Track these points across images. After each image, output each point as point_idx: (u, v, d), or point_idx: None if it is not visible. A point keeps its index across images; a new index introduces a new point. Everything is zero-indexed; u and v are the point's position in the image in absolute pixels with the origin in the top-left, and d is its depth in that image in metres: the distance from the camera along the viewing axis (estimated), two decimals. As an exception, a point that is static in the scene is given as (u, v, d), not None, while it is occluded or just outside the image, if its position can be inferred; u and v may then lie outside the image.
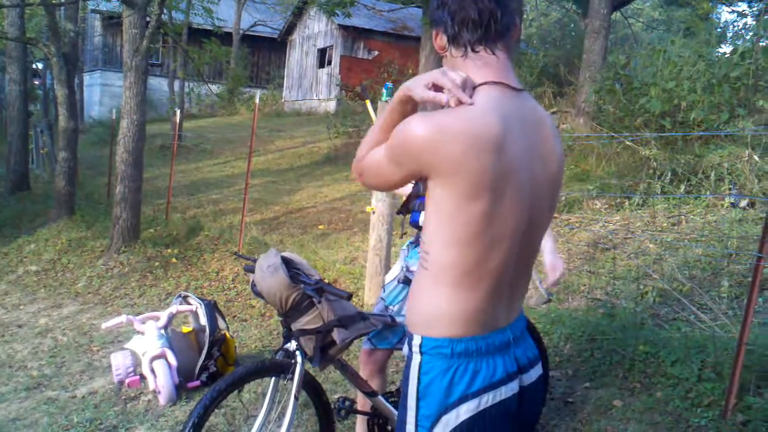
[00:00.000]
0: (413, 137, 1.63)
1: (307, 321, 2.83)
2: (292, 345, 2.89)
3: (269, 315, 6.34)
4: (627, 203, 7.05)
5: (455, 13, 1.71)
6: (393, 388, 3.46)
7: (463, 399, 1.69)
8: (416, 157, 1.64)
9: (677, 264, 5.42)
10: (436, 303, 1.71)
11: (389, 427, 3.23)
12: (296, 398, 2.85)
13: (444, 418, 1.70)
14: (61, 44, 11.15)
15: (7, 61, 15.38)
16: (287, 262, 2.92)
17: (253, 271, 2.97)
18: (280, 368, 2.89)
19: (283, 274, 2.79)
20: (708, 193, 6.62)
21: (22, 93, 14.37)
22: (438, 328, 1.72)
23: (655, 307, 4.88)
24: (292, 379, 2.85)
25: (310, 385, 3.03)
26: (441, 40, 1.78)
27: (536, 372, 1.86)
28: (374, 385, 3.21)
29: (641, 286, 5.24)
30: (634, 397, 3.82)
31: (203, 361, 4.88)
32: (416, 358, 1.75)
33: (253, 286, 2.96)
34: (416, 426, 1.74)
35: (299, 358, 2.86)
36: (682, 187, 6.90)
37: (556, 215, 7.21)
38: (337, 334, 2.83)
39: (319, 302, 2.81)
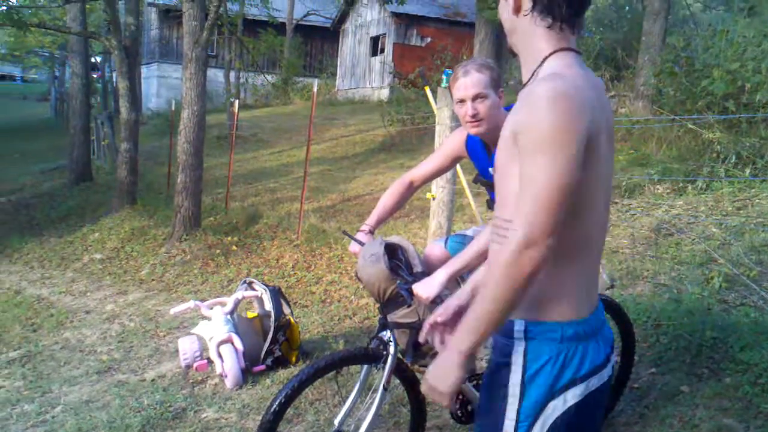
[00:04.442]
0: (571, 101, 1.48)
1: (402, 314, 2.79)
2: (387, 335, 2.87)
3: (329, 301, 6.40)
4: (690, 187, 6.90)
5: None
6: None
7: (571, 383, 1.62)
8: (584, 122, 1.49)
9: (744, 249, 5.30)
10: (541, 283, 1.57)
11: (470, 408, 3.20)
12: (385, 388, 2.87)
13: (551, 404, 1.63)
14: (122, 37, 11.41)
15: (69, 56, 15.76)
16: (393, 249, 2.87)
17: (361, 244, 2.97)
18: (375, 357, 2.89)
19: (383, 265, 2.74)
20: (775, 176, 6.46)
21: (84, 86, 14.72)
22: (544, 311, 1.63)
23: (722, 293, 4.79)
24: (383, 368, 2.85)
25: (405, 377, 3.02)
26: (524, 2, 1.65)
27: (614, 356, 1.79)
28: None
29: (706, 272, 5.14)
30: (702, 382, 3.76)
31: (268, 346, 4.96)
32: (520, 345, 1.65)
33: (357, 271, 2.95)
34: (518, 415, 1.64)
35: (392, 349, 2.84)
36: (748, 170, 6.74)
37: (616, 200, 7.12)
38: None
39: (410, 305, 2.74)
